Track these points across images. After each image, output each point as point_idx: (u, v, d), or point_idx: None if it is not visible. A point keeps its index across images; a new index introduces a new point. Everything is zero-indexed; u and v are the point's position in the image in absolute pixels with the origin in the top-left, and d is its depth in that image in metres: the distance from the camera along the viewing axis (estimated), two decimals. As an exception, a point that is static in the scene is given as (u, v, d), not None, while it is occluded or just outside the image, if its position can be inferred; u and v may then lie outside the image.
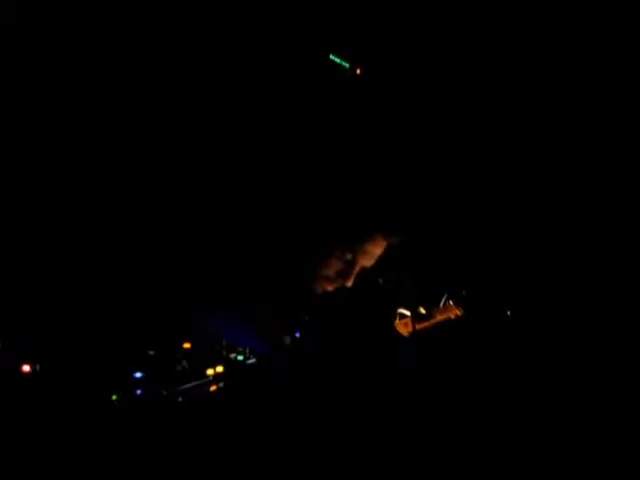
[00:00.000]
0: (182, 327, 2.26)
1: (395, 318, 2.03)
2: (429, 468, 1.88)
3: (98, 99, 2.02)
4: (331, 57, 2.04)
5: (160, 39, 2.03)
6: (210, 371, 2.24)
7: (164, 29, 2.04)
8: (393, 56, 2.00)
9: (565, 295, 1.85)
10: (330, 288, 1.81)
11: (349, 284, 1.80)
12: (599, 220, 1.87)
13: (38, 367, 2.12)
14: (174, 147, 2.12)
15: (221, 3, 2.06)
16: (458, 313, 1.98)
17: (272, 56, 2.09)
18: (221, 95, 2.11)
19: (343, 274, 1.79)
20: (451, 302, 1.98)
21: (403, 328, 2.03)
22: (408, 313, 2.02)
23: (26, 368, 2.10)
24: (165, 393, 2.22)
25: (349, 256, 1.80)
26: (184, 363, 2.25)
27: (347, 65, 2.04)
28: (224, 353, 2.25)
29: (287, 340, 2.13)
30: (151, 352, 2.25)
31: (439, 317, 2.00)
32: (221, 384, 2.23)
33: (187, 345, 2.22)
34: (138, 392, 2.21)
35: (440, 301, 1.99)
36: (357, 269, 1.80)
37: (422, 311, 2.01)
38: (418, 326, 2.00)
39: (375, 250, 1.83)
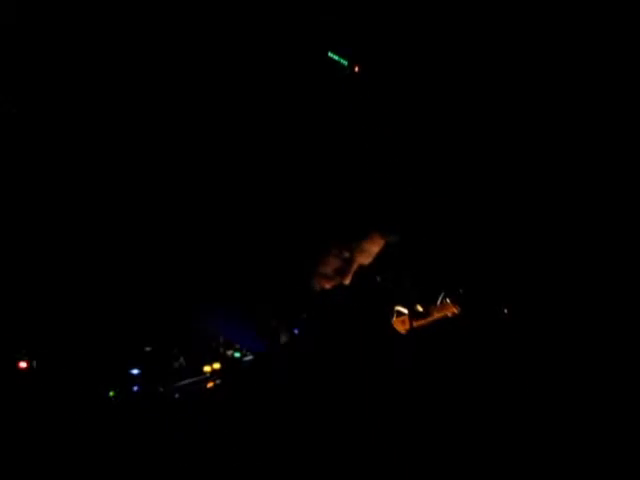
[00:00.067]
0: (179, 324, 2.25)
1: (392, 316, 2.03)
2: (427, 464, 1.89)
3: (98, 99, 2.01)
4: (329, 54, 2.04)
5: (157, 35, 2.02)
6: (207, 368, 2.24)
7: (161, 25, 2.03)
8: (392, 54, 2.00)
9: (563, 293, 1.86)
10: (328, 286, 1.82)
11: (347, 282, 1.80)
12: (597, 216, 1.88)
13: (35, 364, 2.11)
14: (169, 141, 2.12)
15: (218, -1, 2.06)
16: (455, 311, 1.98)
17: (269, 53, 2.09)
18: (217, 91, 2.10)
19: (341, 272, 1.80)
20: (448, 300, 1.99)
21: (400, 326, 2.03)
22: (405, 311, 2.02)
23: (23, 365, 2.10)
24: (162, 389, 2.22)
25: (347, 254, 1.80)
26: (181, 360, 2.25)
27: (346, 63, 2.04)
28: (221, 350, 2.25)
29: (284, 337, 2.13)
30: (148, 349, 2.25)
31: (436, 315, 2.01)
32: (218, 381, 2.23)
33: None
34: (135, 388, 2.21)
35: (437, 299, 2.00)
36: (355, 267, 1.81)
37: (419, 309, 2.02)
38: (415, 324, 2.01)
39: (373, 248, 1.83)
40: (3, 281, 2.06)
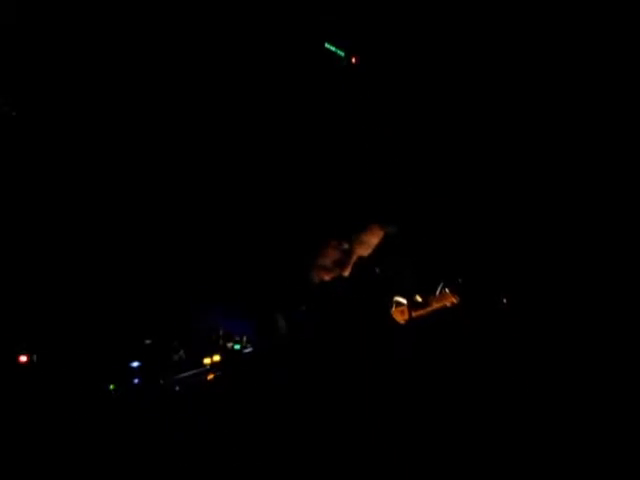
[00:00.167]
0: (179, 317, 2.26)
1: (392, 306, 2.04)
2: (425, 456, 1.90)
3: (98, 99, 2.01)
4: (326, 46, 2.03)
5: (154, 29, 2.01)
6: (207, 360, 2.24)
7: (158, 19, 2.02)
8: (389, 45, 2.00)
9: (561, 283, 1.87)
10: (327, 278, 1.82)
11: (346, 274, 1.81)
12: (595, 206, 1.89)
13: (35, 357, 2.11)
14: (166, 136, 2.11)
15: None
16: (454, 301, 1.99)
17: (265, 45, 2.08)
18: (213, 83, 2.10)
19: (340, 264, 1.81)
20: (447, 290, 2.00)
21: (399, 316, 2.04)
22: (404, 301, 2.03)
23: (23, 359, 2.10)
24: (162, 382, 2.22)
25: (346, 246, 1.81)
26: (181, 352, 2.25)
27: (343, 54, 2.04)
28: (221, 342, 2.25)
29: (284, 329, 2.13)
30: (148, 341, 2.25)
31: (435, 305, 2.01)
32: (218, 373, 2.23)
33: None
34: (135, 381, 2.21)
35: (436, 289, 2.00)
36: (354, 259, 1.81)
37: (418, 299, 2.02)
38: (414, 314, 2.01)
39: (372, 240, 1.84)
40: (3, 275, 2.05)
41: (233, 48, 2.08)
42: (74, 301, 2.14)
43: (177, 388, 2.22)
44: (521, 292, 1.93)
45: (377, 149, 1.94)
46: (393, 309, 2.04)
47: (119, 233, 2.13)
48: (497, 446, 1.83)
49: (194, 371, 2.23)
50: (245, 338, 2.23)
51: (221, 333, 2.25)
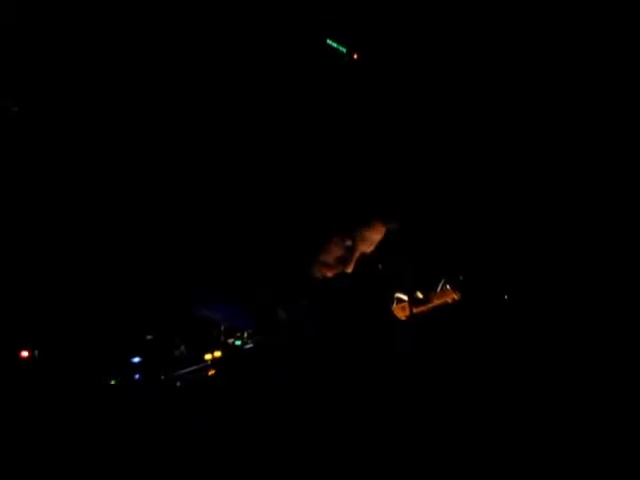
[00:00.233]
0: (180, 312, 2.26)
1: (393, 302, 2.04)
2: (426, 452, 1.90)
3: (98, 99, 2.00)
4: (328, 42, 2.03)
5: (155, 28, 2.01)
6: (208, 356, 2.24)
7: (158, 19, 2.02)
8: (391, 41, 2.00)
9: (563, 279, 1.87)
10: (329, 274, 1.83)
11: (349, 270, 1.81)
12: (596, 203, 1.89)
13: (37, 353, 2.11)
14: (166, 133, 2.11)
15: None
16: (455, 297, 1.99)
17: (266, 41, 2.08)
18: (213, 80, 2.09)
19: (342, 260, 1.81)
20: (448, 286, 2.00)
21: (400, 312, 2.04)
22: (405, 297, 2.03)
23: (24, 354, 2.10)
24: (163, 378, 2.23)
25: (348, 242, 1.81)
26: (182, 348, 2.25)
27: (344, 50, 2.03)
28: (222, 338, 2.25)
29: (285, 325, 2.13)
30: (149, 337, 2.25)
31: (436, 301, 2.02)
32: (219, 369, 2.24)
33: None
34: (136, 377, 2.21)
35: (437, 285, 2.01)
36: (356, 255, 1.82)
37: (419, 295, 2.03)
38: (415, 310, 2.02)
39: (374, 236, 1.84)
40: (3, 271, 2.05)
41: (233, 44, 2.08)
42: (75, 297, 2.14)
43: (178, 384, 2.22)
44: (523, 289, 1.94)
45: (379, 146, 1.94)
46: (394, 305, 2.05)
47: (120, 229, 2.13)
48: (498, 443, 1.84)
49: (195, 367, 2.24)
50: (246, 334, 2.23)
51: (222, 329, 2.25)
